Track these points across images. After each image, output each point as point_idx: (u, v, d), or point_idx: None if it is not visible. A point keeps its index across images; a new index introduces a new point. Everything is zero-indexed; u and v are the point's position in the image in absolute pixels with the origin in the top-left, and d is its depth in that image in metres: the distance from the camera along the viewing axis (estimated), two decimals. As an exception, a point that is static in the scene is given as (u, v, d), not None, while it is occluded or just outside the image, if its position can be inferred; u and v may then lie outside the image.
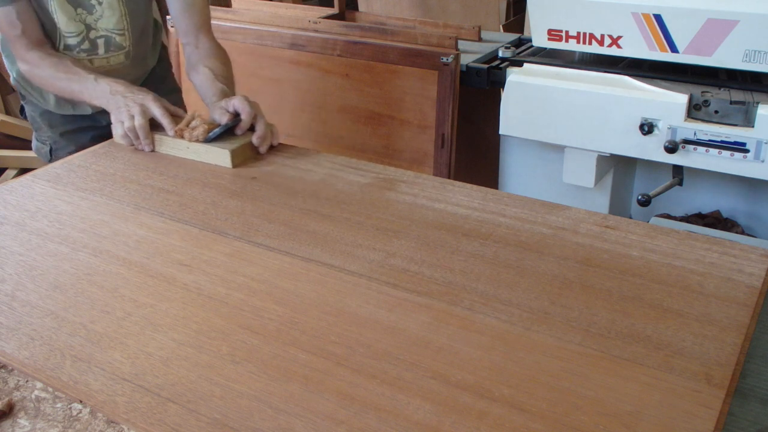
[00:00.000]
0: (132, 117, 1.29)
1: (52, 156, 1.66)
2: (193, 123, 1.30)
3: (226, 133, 1.28)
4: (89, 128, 1.63)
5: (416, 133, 2.02)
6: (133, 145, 1.32)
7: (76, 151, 1.60)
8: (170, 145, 1.30)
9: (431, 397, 0.71)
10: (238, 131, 1.30)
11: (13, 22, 1.39)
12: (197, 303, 0.86)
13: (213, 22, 2.33)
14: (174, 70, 2.46)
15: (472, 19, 2.88)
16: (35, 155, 1.76)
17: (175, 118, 1.32)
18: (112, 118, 1.32)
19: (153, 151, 1.32)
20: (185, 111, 1.46)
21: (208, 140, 1.27)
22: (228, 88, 1.42)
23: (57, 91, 1.45)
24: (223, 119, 1.29)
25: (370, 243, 0.98)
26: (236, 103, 1.30)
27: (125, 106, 1.30)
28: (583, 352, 0.76)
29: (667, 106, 1.59)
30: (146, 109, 1.30)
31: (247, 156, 1.28)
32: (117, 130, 1.31)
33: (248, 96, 1.35)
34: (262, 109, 1.33)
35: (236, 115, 1.30)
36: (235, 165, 1.25)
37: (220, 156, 1.25)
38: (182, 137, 1.28)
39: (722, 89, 1.61)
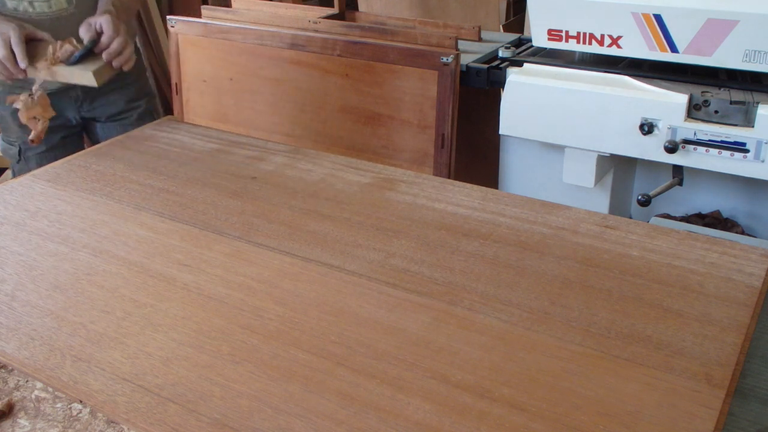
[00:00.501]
0: None
1: (21, 157, 1.66)
2: (62, 48, 1.34)
3: (91, 54, 1.35)
4: (60, 128, 1.64)
5: (416, 133, 2.02)
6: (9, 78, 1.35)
7: (47, 151, 1.61)
8: (40, 71, 1.34)
9: (431, 397, 0.71)
10: (97, 50, 1.35)
11: None
12: (197, 303, 0.86)
13: (213, 22, 2.33)
14: (173, 71, 2.46)
15: (472, 19, 2.88)
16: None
17: (45, 44, 1.35)
18: None
19: (26, 78, 1.35)
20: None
21: (70, 63, 1.32)
22: (115, 9, 1.45)
23: None
24: (86, 37, 1.35)
25: (370, 243, 0.98)
26: (101, 21, 1.35)
27: None
28: (583, 352, 0.76)
29: (667, 106, 1.59)
30: (8, 38, 1.31)
31: (111, 74, 1.37)
32: None
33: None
34: (124, 29, 1.40)
35: (99, 35, 1.35)
36: (100, 83, 1.33)
37: (83, 76, 1.32)
38: (36, 66, 1.33)
39: (722, 89, 1.61)
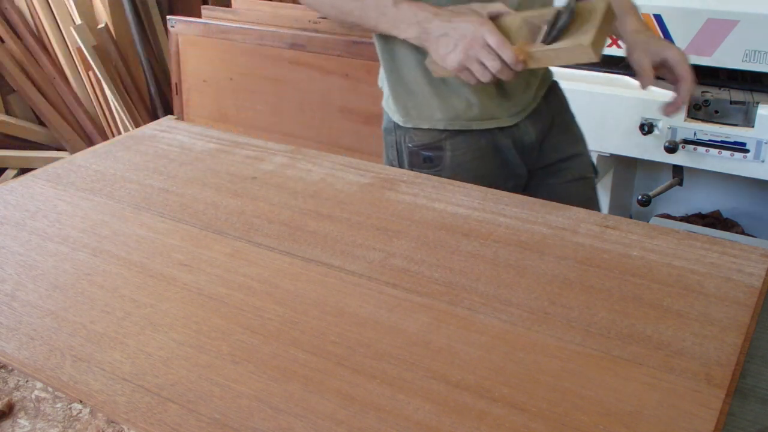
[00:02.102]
0: (475, 43, 1.02)
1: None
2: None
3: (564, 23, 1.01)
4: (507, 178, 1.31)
5: (416, 133, 2.02)
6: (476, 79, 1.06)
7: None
8: (535, 56, 1.04)
9: (431, 397, 0.71)
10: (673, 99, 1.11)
11: None
12: (197, 303, 0.86)
13: (213, 22, 2.33)
14: (173, 71, 2.46)
15: (472, 19, 2.87)
16: (35, 155, 1.71)
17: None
18: (441, 52, 1.05)
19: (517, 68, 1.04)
20: None
21: (551, 37, 1.01)
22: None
23: (337, 13, 1.17)
24: (644, 65, 1.08)
25: (370, 243, 0.98)
26: (671, 57, 1.09)
27: (457, 33, 1.04)
28: (583, 352, 0.76)
29: (667, 106, 1.59)
30: (487, 27, 1.02)
31: (603, 44, 1.02)
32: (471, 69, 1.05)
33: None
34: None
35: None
36: (597, 53, 0.99)
37: (579, 48, 0.99)
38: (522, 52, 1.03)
39: (722, 89, 1.61)
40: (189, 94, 2.45)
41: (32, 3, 3.03)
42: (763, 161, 1.52)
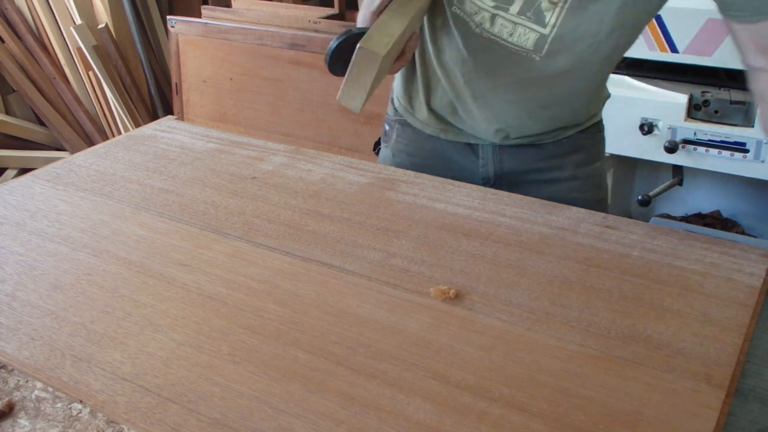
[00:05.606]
0: None
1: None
2: None
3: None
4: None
5: (416, 133, 2.02)
6: None
7: None
8: None
9: (431, 397, 0.71)
10: None
11: None
12: (197, 303, 0.86)
13: (213, 22, 2.33)
14: (173, 71, 2.46)
15: (472, 19, 2.88)
16: (35, 155, 1.70)
17: None
18: None
19: None
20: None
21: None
22: None
23: None
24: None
25: (370, 243, 0.98)
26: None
27: None
28: (583, 352, 0.76)
29: (667, 106, 1.59)
30: None
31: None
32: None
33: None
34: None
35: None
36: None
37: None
38: None
39: (722, 89, 1.61)
40: (189, 94, 2.45)
41: (32, 3, 3.03)
42: (763, 161, 1.52)
